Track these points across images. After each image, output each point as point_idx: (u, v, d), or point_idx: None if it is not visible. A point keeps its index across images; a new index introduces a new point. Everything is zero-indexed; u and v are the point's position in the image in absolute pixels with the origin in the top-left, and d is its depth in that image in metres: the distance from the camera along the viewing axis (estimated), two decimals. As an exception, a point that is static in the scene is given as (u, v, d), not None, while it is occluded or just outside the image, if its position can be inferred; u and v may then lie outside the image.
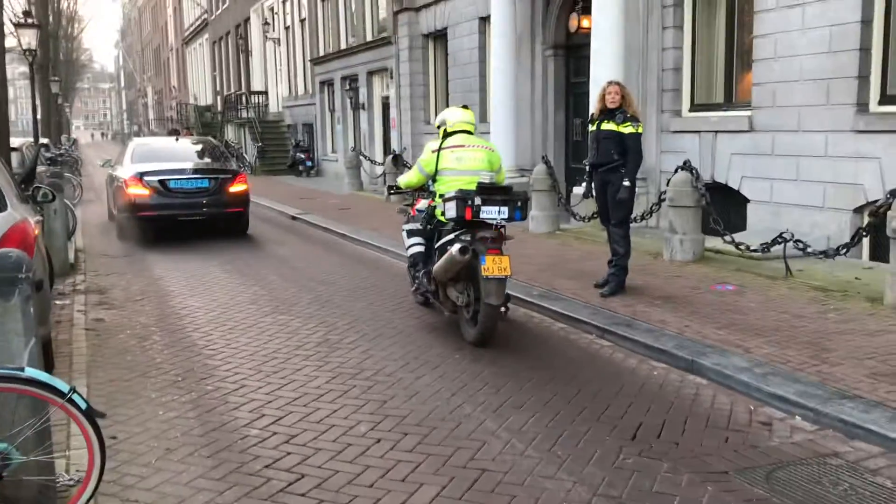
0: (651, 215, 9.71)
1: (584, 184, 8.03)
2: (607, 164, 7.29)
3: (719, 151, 10.32)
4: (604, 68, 11.02)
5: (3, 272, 3.70)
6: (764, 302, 6.98)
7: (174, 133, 31.00)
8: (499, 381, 5.40)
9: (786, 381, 4.93)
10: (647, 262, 8.86)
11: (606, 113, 7.29)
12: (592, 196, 7.71)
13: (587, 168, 7.70)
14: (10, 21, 20.90)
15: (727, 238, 8.49)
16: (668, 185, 9.06)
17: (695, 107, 11.01)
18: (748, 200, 9.97)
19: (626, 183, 7.19)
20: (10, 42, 14.24)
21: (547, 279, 8.27)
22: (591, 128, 7.52)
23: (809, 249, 7.72)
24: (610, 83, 7.45)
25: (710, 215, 8.62)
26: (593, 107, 7.73)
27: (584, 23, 12.72)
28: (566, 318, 6.94)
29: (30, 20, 18.80)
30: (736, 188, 10.12)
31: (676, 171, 8.92)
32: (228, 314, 7.49)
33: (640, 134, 7.29)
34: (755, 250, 8.21)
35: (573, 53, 13.81)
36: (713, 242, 9.03)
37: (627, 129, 7.16)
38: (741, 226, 9.92)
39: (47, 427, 3.66)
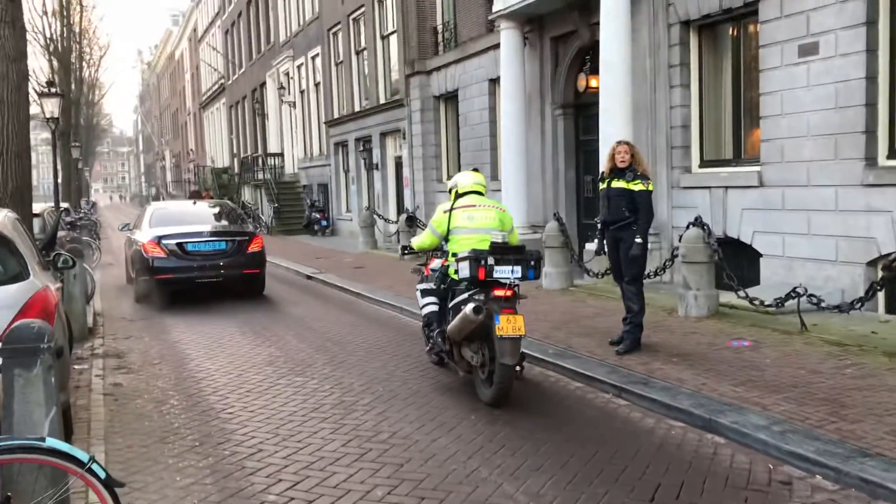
0: (664, 271, 9.74)
1: (596, 240, 8.10)
2: (619, 221, 7.37)
3: (730, 206, 10.38)
4: (613, 126, 11.20)
5: (25, 343, 3.79)
6: (780, 358, 6.95)
7: (195, 195, 31.53)
8: (515, 443, 5.39)
9: (805, 439, 4.89)
10: (662, 319, 8.85)
11: (617, 171, 7.40)
12: (605, 253, 7.76)
13: (599, 225, 7.79)
14: (35, 90, 21.49)
15: (741, 293, 8.49)
16: (680, 240, 9.11)
17: (704, 163, 11.12)
18: (761, 255, 9.99)
19: (639, 240, 7.25)
20: (33, 109, 14.68)
21: (562, 337, 8.27)
22: (602, 186, 7.62)
23: (824, 304, 7.70)
24: (619, 143, 7.58)
25: (724, 270, 8.63)
26: (604, 165, 7.84)
27: (592, 82, 12.95)
28: (582, 376, 6.93)
29: (53, 89, 19.33)
30: (748, 243, 10.15)
31: (688, 226, 8.97)
32: (245, 376, 7.53)
33: (650, 191, 7.38)
34: (769, 305, 8.19)
35: (582, 112, 14.03)
36: (727, 297, 9.03)
37: (637, 186, 7.26)
38: (755, 280, 9.92)
39: (67, 497, 3.69)
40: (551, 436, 5.50)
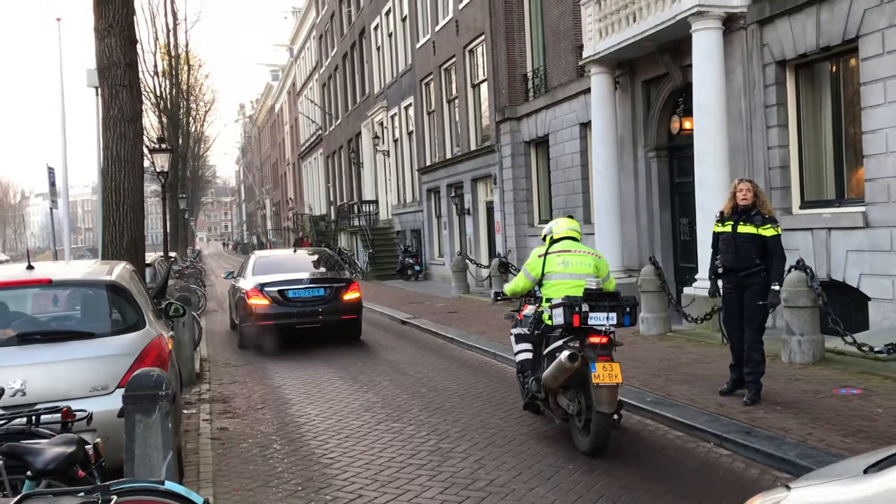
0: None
1: (708, 282, 7.78)
2: (749, 268, 7.11)
3: (834, 249, 10.04)
4: (709, 168, 11.05)
5: (145, 390, 4.03)
6: (893, 407, 6.63)
7: (299, 243, 32.66)
8: (614, 493, 5.32)
9: (922, 495, 4.65)
10: (766, 366, 8.56)
11: (741, 213, 7.17)
12: (719, 295, 7.56)
13: (718, 269, 7.42)
14: (147, 146, 22.82)
15: (848, 339, 8.17)
16: (781, 284, 8.84)
17: (805, 204, 10.81)
18: (869, 298, 9.58)
19: (776, 287, 7.03)
20: (144, 164, 15.60)
21: (661, 384, 8.13)
22: (720, 228, 7.35)
23: (941, 350, 7.33)
24: (741, 181, 7.36)
25: (829, 315, 8.32)
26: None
27: (686, 124, 12.83)
28: (682, 425, 6.79)
29: (163, 145, 20.50)
30: (854, 286, 9.76)
31: (790, 270, 8.71)
32: (344, 422, 7.71)
33: (780, 235, 7.16)
34: (879, 351, 7.85)
35: (676, 154, 13.89)
36: (833, 343, 8.69)
37: (769, 231, 7.05)
38: (863, 325, 9.51)
39: (182, 538, 3.87)
40: (651, 486, 5.41)
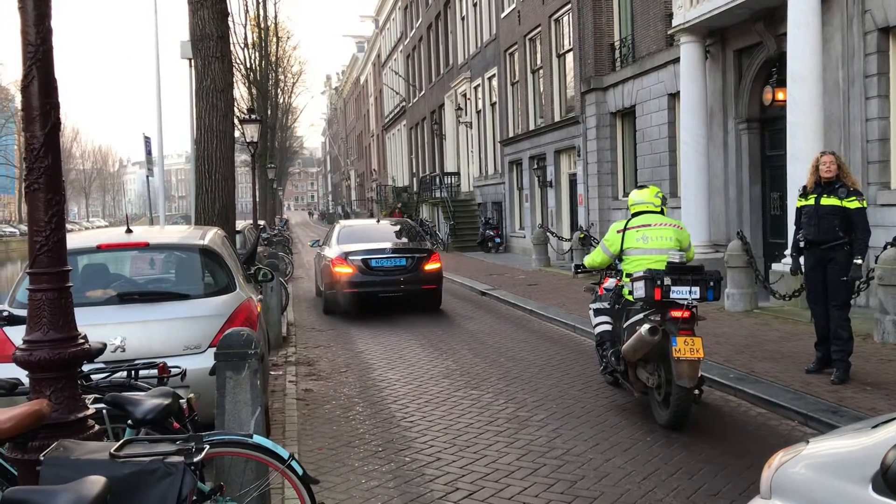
0: (859, 294, 9.12)
1: (791, 258, 7.62)
2: (831, 241, 6.93)
3: (936, 225, 9.57)
4: (802, 141, 10.67)
5: (235, 348, 4.22)
6: None
7: (392, 213, 33.25)
8: (692, 467, 5.29)
9: None
10: (856, 345, 8.25)
11: (824, 186, 6.99)
12: (801, 273, 7.36)
13: (800, 244, 7.25)
14: (237, 117, 23.44)
15: (948, 319, 7.81)
16: (876, 261, 8.52)
17: (906, 178, 10.33)
18: (973, 278, 9.11)
19: (858, 261, 6.83)
20: (235, 134, 16.05)
21: (744, 361, 7.98)
22: (803, 202, 7.17)
23: None
24: (824, 153, 7.19)
25: (928, 295, 7.97)
26: (801, 179, 7.41)
27: (780, 95, 12.37)
28: (765, 402, 6.66)
29: (253, 116, 21.00)
30: (958, 264, 9.29)
31: (885, 247, 8.38)
32: (424, 387, 7.86)
33: (866, 208, 6.95)
34: (983, 333, 7.48)
35: (768, 126, 13.43)
36: (932, 324, 8.32)
37: (853, 204, 6.85)
38: (966, 305, 9.06)
39: (268, 490, 4.07)
40: (731, 461, 5.35)
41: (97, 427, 3.41)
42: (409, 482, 5.19)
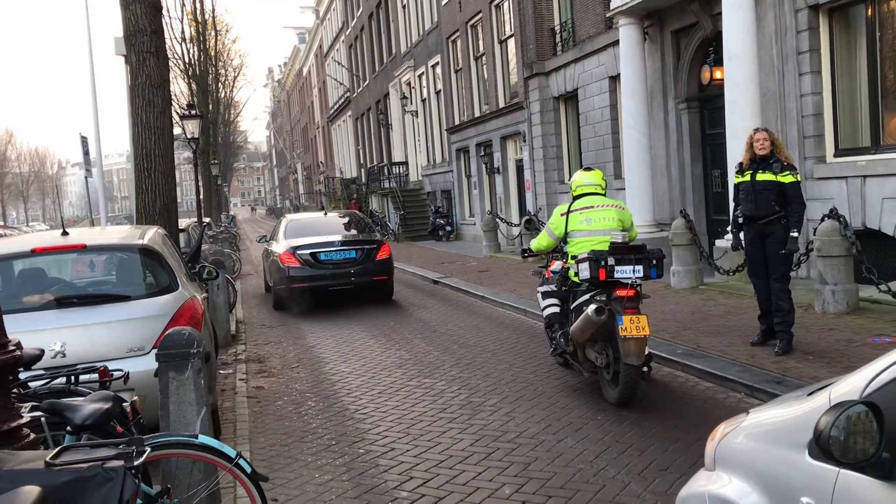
0: (799, 266, 9.34)
1: (731, 235, 7.80)
2: (768, 215, 7.07)
3: (869, 196, 9.85)
4: (740, 118, 10.86)
5: (177, 348, 4.14)
6: (928, 354, 6.55)
7: (353, 205, 33.06)
8: (643, 443, 5.37)
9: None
10: (798, 315, 8.45)
11: (759, 162, 7.11)
12: (742, 248, 7.51)
13: (739, 220, 7.40)
14: (177, 113, 22.99)
15: (882, 287, 8.06)
16: (815, 234, 8.74)
17: (839, 152, 10.59)
18: (906, 246, 9.42)
19: (794, 234, 6.98)
20: (175, 131, 15.68)
21: (691, 336, 8.12)
22: (740, 178, 7.30)
23: (978, 296, 7.20)
24: (757, 130, 7.31)
25: (863, 264, 8.20)
26: (740, 156, 7.55)
27: (717, 74, 12.59)
28: (712, 376, 6.79)
29: (193, 111, 20.60)
30: (890, 234, 9.59)
31: (823, 219, 8.60)
32: (377, 378, 7.83)
33: (800, 182, 7.10)
34: (916, 299, 7.74)
35: (707, 105, 13.66)
36: (868, 292, 8.59)
37: (787, 178, 6.98)
38: (900, 273, 9.37)
39: (217, 490, 4.01)
40: (680, 436, 5.45)
41: (33, 436, 3.31)
42: (363, 474, 5.17)
